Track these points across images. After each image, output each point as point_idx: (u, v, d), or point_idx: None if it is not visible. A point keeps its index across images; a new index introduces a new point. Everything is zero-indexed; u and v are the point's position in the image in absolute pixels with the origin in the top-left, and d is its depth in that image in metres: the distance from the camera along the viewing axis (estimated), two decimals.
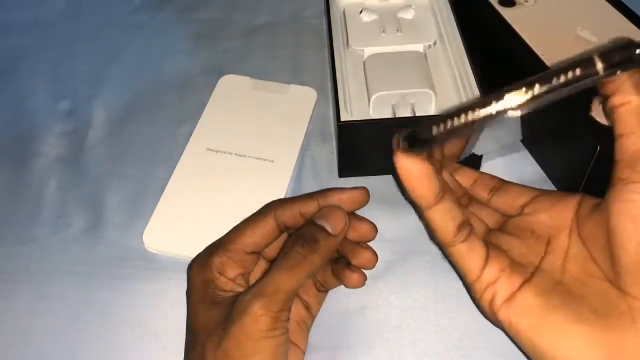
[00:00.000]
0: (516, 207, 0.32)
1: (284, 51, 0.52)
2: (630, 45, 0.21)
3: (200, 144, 0.44)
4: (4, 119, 0.48)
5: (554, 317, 0.26)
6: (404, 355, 0.34)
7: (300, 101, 0.46)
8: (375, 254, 0.34)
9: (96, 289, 0.37)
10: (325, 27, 0.51)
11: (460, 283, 0.35)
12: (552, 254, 0.29)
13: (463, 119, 0.22)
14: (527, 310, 0.27)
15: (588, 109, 0.34)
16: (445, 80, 0.42)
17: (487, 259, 0.29)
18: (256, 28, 0.55)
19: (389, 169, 0.41)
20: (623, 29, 0.42)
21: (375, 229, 0.34)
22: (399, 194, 0.41)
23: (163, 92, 0.49)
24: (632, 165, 0.24)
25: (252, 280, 0.33)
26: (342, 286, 0.35)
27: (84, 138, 0.46)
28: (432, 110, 0.40)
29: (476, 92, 0.39)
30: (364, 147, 0.40)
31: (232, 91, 0.47)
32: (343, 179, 0.42)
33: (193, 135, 0.44)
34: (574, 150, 0.37)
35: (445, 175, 0.33)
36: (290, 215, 0.33)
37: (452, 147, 0.35)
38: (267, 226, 0.32)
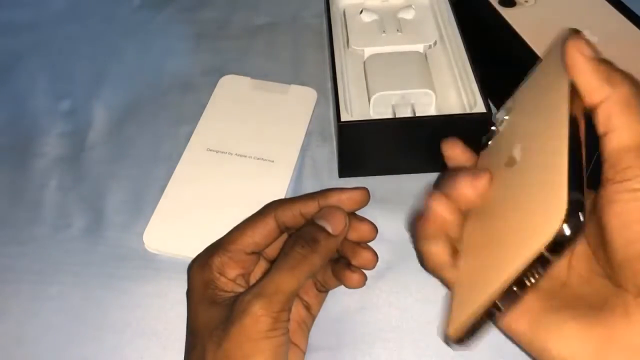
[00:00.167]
0: None
1: (284, 51, 0.52)
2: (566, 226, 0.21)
3: (200, 144, 0.44)
4: (4, 119, 0.48)
5: (553, 317, 0.26)
6: (404, 355, 0.34)
7: (300, 101, 0.46)
8: (375, 254, 0.34)
9: (96, 289, 0.37)
10: (325, 27, 0.51)
11: None
12: None
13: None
14: (526, 313, 0.27)
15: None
16: (445, 80, 0.42)
17: None
18: (256, 28, 0.55)
19: (389, 169, 0.42)
20: (623, 29, 0.42)
21: (375, 229, 0.34)
22: (399, 194, 0.41)
23: (163, 92, 0.49)
24: (613, 164, 0.24)
25: (252, 280, 0.33)
26: (342, 286, 0.34)
27: (84, 138, 0.46)
28: (432, 110, 0.40)
29: (476, 92, 0.39)
30: (364, 147, 0.40)
31: (232, 91, 0.47)
32: (343, 179, 0.42)
33: (193, 135, 0.44)
34: None
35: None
36: (290, 215, 0.33)
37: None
38: (267, 226, 0.32)
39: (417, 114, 0.39)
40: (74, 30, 0.55)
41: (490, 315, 0.24)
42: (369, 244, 0.34)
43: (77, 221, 0.41)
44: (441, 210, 0.29)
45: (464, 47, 0.42)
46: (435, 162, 0.37)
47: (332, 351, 0.34)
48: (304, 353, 0.33)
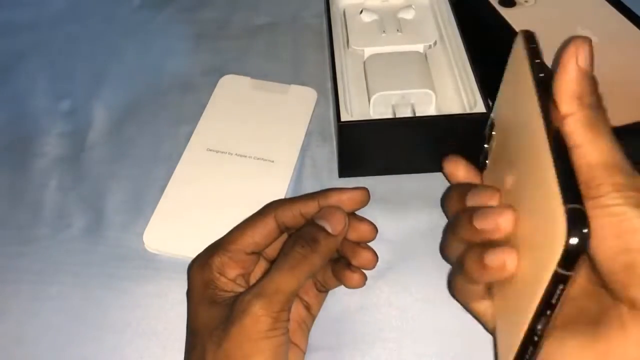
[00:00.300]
0: None
1: (284, 51, 0.52)
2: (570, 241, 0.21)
3: (200, 144, 0.44)
4: (4, 119, 0.48)
5: (553, 336, 0.26)
6: (404, 355, 0.34)
7: (300, 101, 0.46)
8: (375, 254, 0.34)
9: (96, 289, 0.37)
10: (325, 27, 0.51)
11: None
12: None
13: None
14: None
15: None
16: (445, 80, 0.42)
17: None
18: (256, 28, 0.55)
19: (389, 169, 0.42)
20: (623, 29, 0.42)
21: (375, 229, 0.34)
22: (399, 194, 0.41)
23: (163, 92, 0.49)
24: (586, 181, 0.24)
25: (252, 280, 0.33)
26: (342, 286, 0.35)
27: (84, 138, 0.46)
28: (432, 110, 0.40)
29: (476, 92, 0.38)
30: (364, 147, 0.40)
31: (232, 91, 0.47)
32: (343, 179, 0.42)
33: (193, 135, 0.44)
34: None
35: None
36: (291, 216, 0.33)
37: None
38: (267, 226, 0.32)
39: (417, 114, 0.39)
40: (74, 30, 0.55)
41: (533, 342, 0.24)
42: (369, 244, 0.34)
43: (77, 221, 0.41)
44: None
45: (464, 47, 0.42)
46: (435, 162, 0.37)
47: (332, 351, 0.34)
48: (304, 353, 0.33)
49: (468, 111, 0.39)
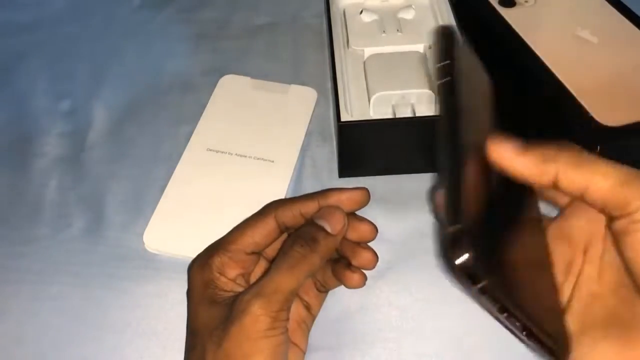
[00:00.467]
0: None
1: (284, 51, 0.52)
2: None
3: (200, 144, 0.44)
4: (4, 119, 0.48)
5: (585, 338, 0.25)
6: (404, 355, 0.34)
7: (300, 101, 0.46)
8: (375, 254, 0.34)
9: (96, 289, 0.37)
10: (325, 27, 0.51)
11: None
12: (589, 264, 0.27)
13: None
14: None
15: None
16: None
17: None
18: (256, 28, 0.55)
19: (389, 169, 0.42)
20: (623, 29, 0.42)
21: (375, 229, 0.34)
22: (399, 194, 0.41)
23: (163, 92, 0.49)
24: (614, 205, 0.24)
25: (253, 280, 0.33)
26: (342, 286, 0.35)
27: (84, 138, 0.46)
28: (432, 110, 0.40)
29: None
30: (364, 147, 0.40)
31: (232, 91, 0.47)
32: (343, 179, 0.42)
33: (193, 135, 0.44)
34: None
35: None
36: (290, 215, 0.33)
37: None
38: (267, 226, 0.32)
39: (417, 114, 0.39)
40: (74, 30, 0.55)
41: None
42: (369, 244, 0.34)
43: (77, 221, 0.41)
44: None
45: None
46: (435, 162, 0.37)
47: (332, 351, 0.34)
48: (304, 353, 0.33)
49: None
